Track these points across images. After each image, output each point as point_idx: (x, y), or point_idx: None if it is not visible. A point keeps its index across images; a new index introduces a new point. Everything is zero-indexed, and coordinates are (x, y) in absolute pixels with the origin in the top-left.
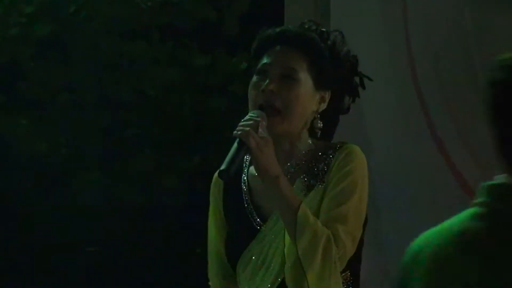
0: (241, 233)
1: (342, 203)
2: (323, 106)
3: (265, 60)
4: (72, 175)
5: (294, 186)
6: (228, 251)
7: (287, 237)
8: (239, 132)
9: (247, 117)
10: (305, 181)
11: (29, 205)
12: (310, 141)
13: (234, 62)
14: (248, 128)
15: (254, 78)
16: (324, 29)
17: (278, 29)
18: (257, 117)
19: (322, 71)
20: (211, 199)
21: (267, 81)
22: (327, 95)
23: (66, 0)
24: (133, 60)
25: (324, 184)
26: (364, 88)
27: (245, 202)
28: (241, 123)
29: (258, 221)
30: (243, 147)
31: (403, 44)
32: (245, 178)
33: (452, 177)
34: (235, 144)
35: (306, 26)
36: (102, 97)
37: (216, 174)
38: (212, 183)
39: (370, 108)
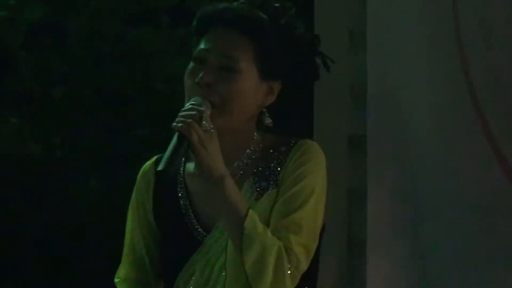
0: (179, 244)
1: (296, 210)
2: (271, 98)
3: (202, 45)
4: (68, 181)
5: (242, 191)
6: (163, 265)
7: (229, 248)
8: (179, 125)
9: (188, 105)
10: (255, 183)
11: (18, 216)
12: (256, 136)
13: None
14: (190, 120)
15: (191, 64)
16: (277, 5)
17: (219, 7)
18: (200, 105)
19: (270, 59)
20: (136, 193)
21: (203, 71)
22: (276, 86)
23: None
24: (138, 48)
25: (277, 187)
26: (328, 70)
27: (182, 208)
28: (181, 113)
29: (200, 231)
30: (184, 142)
31: (452, 32)
32: (181, 178)
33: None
34: (174, 138)
35: (257, 4)
36: (102, 92)
37: (146, 164)
38: (140, 175)
39: (411, 107)
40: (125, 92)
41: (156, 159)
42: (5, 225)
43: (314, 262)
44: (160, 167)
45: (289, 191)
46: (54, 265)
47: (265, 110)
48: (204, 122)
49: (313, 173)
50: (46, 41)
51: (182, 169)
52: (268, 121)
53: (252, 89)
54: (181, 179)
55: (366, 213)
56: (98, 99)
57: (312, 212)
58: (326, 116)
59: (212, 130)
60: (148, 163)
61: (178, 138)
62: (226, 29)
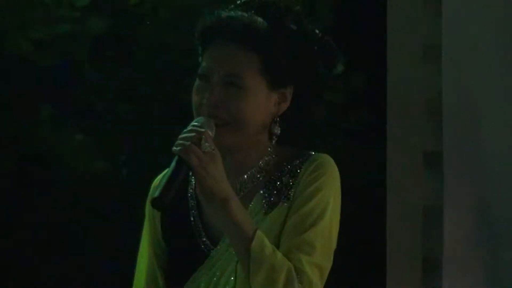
0: (185, 257)
1: (308, 228)
2: (284, 106)
3: (205, 63)
4: (135, 200)
5: (252, 203)
6: (168, 277)
7: (239, 269)
8: (178, 148)
9: (189, 126)
10: (266, 197)
11: (85, 233)
12: (270, 148)
13: None
14: (188, 143)
15: (197, 81)
16: (281, 5)
17: (219, 18)
18: (200, 127)
19: (277, 67)
20: (147, 212)
21: (209, 90)
22: (289, 92)
23: None
24: None
25: (289, 201)
26: (344, 65)
27: (191, 219)
28: (181, 136)
29: (207, 243)
30: (183, 166)
31: None
32: (192, 190)
33: None
34: (173, 163)
35: (257, 6)
36: (170, 106)
37: (157, 178)
38: (151, 188)
39: (489, 121)
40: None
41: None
42: (73, 242)
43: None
44: (156, 194)
45: (301, 208)
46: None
47: (278, 119)
48: (205, 143)
49: (326, 189)
50: (111, 54)
51: (193, 180)
52: (276, 130)
53: (262, 102)
54: (192, 190)
55: (442, 230)
56: (166, 114)
57: (326, 230)
58: (400, 132)
59: (214, 151)
60: (158, 177)
61: (177, 162)
62: (227, 43)
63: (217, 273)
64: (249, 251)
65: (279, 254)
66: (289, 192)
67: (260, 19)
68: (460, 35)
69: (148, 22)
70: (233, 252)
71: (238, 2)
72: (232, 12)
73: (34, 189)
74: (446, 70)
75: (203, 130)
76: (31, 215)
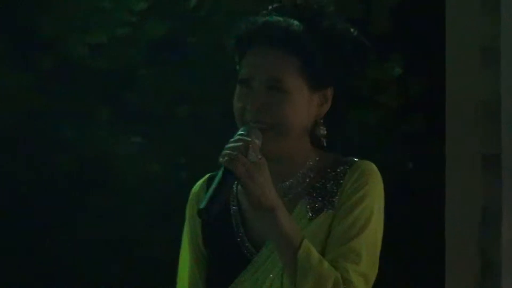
0: (227, 262)
1: (354, 237)
2: (326, 107)
3: (245, 69)
4: None
5: (297, 209)
6: (209, 282)
7: (285, 277)
8: (225, 159)
9: (236, 136)
10: (311, 203)
11: (142, 238)
12: (313, 153)
13: (385, 66)
14: (235, 153)
15: (237, 88)
16: (315, 7)
17: (256, 25)
18: (247, 136)
19: (317, 69)
20: (187, 217)
21: (251, 96)
22: (329, 93)
23: None
24: None
25: (334, 208)
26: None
27: (234, 224)
28: (227, 146)
29: (249, 248)
30: (230, 177)
31: None
32: (235, 193)
33: None
34: (219, 173)
35: (290, 10)
36: (229, 109)
37: (197, 183)
38: (191, 194)
39: None
40: None
41: (208, 177)
42: (125, 246)
43: None
44: (201, 206)
45: (346, 217)
46: None
47: (322, 120)
48: (252, 153)
49: (371, 198)
50: (168, 58)
51: (235, 186)
52: (322, 131)
53: (304, 105)
54: (235, 195)
55: (500, 233)
56: (224, 118)
57: (371, 238)
58: (459, 135)
59: (260, 160)
60: (199, 182)
61: (223, 173)
62: (266, 49)
63: (260, 278)
64: (296, 260)
65: (325, 263)
66: (334, 199)
67: (296, 22)
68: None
69: (205, 26)
70: (277, 257)
71: (270, 7)
72: (268, 17)
73: (92, 191)
74: (505, 73)
75: (249, 139)
76: (88, 217)
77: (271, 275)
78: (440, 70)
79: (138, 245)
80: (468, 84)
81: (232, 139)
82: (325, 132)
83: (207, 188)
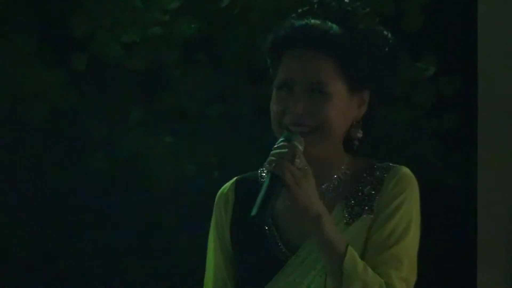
0: (260, 265)
1: (395, 243)
2: (364, 109)
3: (284, 73)
4: None
5: (333, 214)
6: (240, 286)
7: (328, 283)
8: (273, 165)
9: (279, 142)
10: (348, 207)
11: (174, 239)
12: (346, 157)
13: (417, 66)
14: (283, 160)
15: (275, 92)
16: (349, 9)
17: (293, 28)
18: (291, 141)
19: (355, 71)
20: (215, 216)
21: (292, 99)
22: (366, 95)
23: None
24: None
25: (373, 213)
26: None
27: (266, 227)
28: (273, 152)
29: (284, 251)
30: (278, 184)
31: None
32: None
33: None
34: (267, 180)
35: (325, 12)
36: (261, 109)
37: (225, 186)
38: (218, 196)
39: None
40: None
41: (236, 180)
42: (162, 243)
43: None
44: (253, 212)
45: (386, 223)
46: None
47: (359, 123)
48: (298, 160)
49: (410, 203)
50: (201, 58)
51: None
52: (358, 134)
53: (344, 108)
54: None
55: None
56: (256, 117)
57: (411, 243)
58: (491, 134)
59: (306, 168)
60: (227, 184)
61: (271, 179)
62: (305, 51)
63: (296, 281)
64: (342, 267)
65: (370, 270)
66: (372, 204)
67: (334, 25)
68: None
69: (237, 25)
70: (314, 259)
71: (300, 10)
72: (306, 20)
73: (124, 191)
74: None
75: (296, 146)
76: (120, 217)
77: (308, 278)
78: (473, 69)
79: (171, 245)
80: (501, 82)
81: (276, 145)
82: (361, 135)
83: (236, 191)
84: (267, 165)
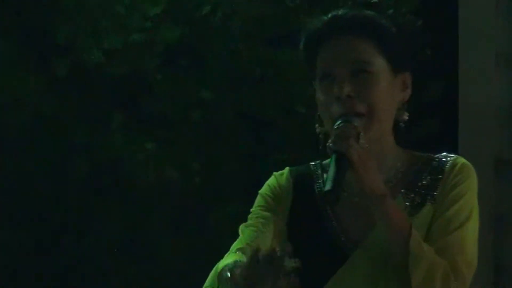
0: (321, 258)
1: (458, 228)
2: (408, 92)
3: (325, 62)
4: (208, 208)
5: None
6: (302, 280)
7: (390, 266)
8: (338, 143)
9: (338, 123)
10: (409, 197)
11: (156, 244)
12: (399, 150)
13: None
14: (348, 138)
15: (319, 84)
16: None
17: (326, 19)
18: (352, 122)
19: (396, 51)
20: (267, 195)
21: (338, 84)
22: (408, 78)
23: None
24: (279, 71)
25: (435, 202)
26: (424, 55)
27: (326, 220)
28: (337, 132)
29: (346, 244)
30: (343, 162)
31: None
32: (319, 189)
33: None
34: (332, 160)
35: (351, 3)
36: (242, 115)
37: (281, 174)
38: (275, 177)
39: None
40: (265, 116)
41: (290, 169)
42: (142, 253)
43: None
44: (327, 187)
45: (449, 209)
46: None
47: (404, 106)
48: (361, 139)
49: (471, 191)
50: (182, 63)
51: (319, 180)
52: (404, 117)
53: (389, 86)
54: (320, 189)
55: None
56: (238, 123)
57: (473, 230)
58: (472, 140)
59: (367, 147)
60: (285, 174)
61: (337, 158)
62: (343, 37)
63: (360, 275)
64: (408, 247)
65: (432, 250)
66: (434, 193)
67: (362, 11)
68: None
69: (219, 32)
70: (377, 253)
71: (330, 15)
72: (334, 12)
73: (105, 197)
74: None
75: (357, 125)
76: (101, 222)
77: (374, 271)
78: (454, 75)
79: (153, 251)
80: (482, 89)
81: (336, 127)
82: (407, 117)
83: (294, 181)
84: (332, 145)
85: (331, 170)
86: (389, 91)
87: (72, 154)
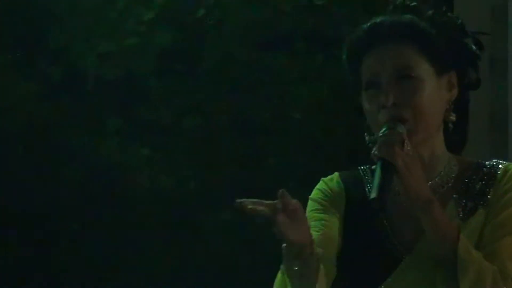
0: (374, 264)
1: (509, 233)
2: (455, 91)
3: (368, 71)
4: (202, 215)
5: (447, 209)
6: (355, 284)
7: (440, 271)
8: (383, 150)
9: (383, 131)
10: (461, 203)
11: (149, 251)
12: (449, 155)
13: None
14: (393, 145)
15: (364, 94)
16: (414, 3)
17: (366, 28)
18: (396, 128)
19: (439, 52)
20: (321, 199)
21: (383, 92)
22: (453, 77)
23: (192, 2)
24: (273, 75)
25: (487, 208)
26: (482, 48)
27: (385, 222)
28: (382, 139)
29: (399, 249)
30: (389, 169)
31: None
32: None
33: None
34: (378, 168)
35: (391, 8)
36: (236, 120)
37: (331, 180)
38: (325, 182)
39: None
40: (260, 121)
41: (339, 174)
42: (135, 258)
43: None
44: (373, 195)
45: (500, 214)
46: None
47: (452, 106)
48: (406, 145)
49: None
50: (176, 68)
51: (369, 185)
52: (452, 116)
53: (434, 89)
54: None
55: None
56: (231, 128)
57: None
58: (466, 145)
59: (414, 153)
60: (334, 178)
61: (382, 165)
62: (385, 45)
63: (412, 279)
64: (456, 253)
65: (482, 257)
66: (487, 198)
67: (403, 17)
68: None
69: (212, 36)
70: (427, 258)
71: (370, 23)
72: (374, 20)
73: (99, 203)
74: None
75: (402, 131)
76: (95, 230)
77: (427, 277)
78: None
79: (146, 257)
80: (475, 94)
81: (381, 134)
82: (454, 118)
83: (345, 185)
84: (377, 152)
85: (377, 178)
86: (435, 94)
87: (66, 160)
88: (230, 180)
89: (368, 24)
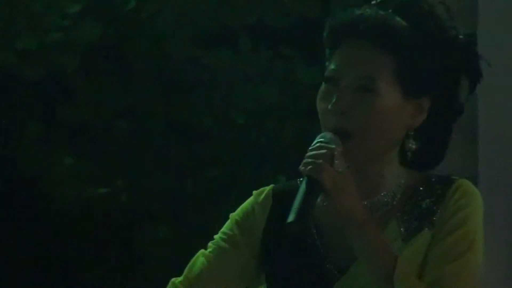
0: (303, 284)
1: (457, 258)
2: (420, 118)
3: (333, 65)
4: (135, 229)
5: (388, 230)
6: None
7: None
8: (308, 167)
9: (315, 143)
10: (405, 223)
11: (78, 269)
12: (403, 171)
13: None
14: (320, 161)
15: (323, 85)
16: (424, 7)
17: (351, 16)
18: (329, 143)
19: (414, 72)
20: (240, 218)
21: (337, 95)
22: (425, 103)
23: None
24: (214, 75)
25: (433, 228)
26: (478, 80)
27: (310, 244)
28: (309, 154)
29: (331, 270)
30: (315, 188)
31: None
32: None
33: None
34: (303, 185)
35: (396, 5)
36: (172, 125)
37: (262, 192)
38: (250, 207)
39: None
40: (199, 126)
41: (273, 188)
42: (65, 276)
43: None
44: (290, 219)
45: (449, 236)
46: None
47: (412, 133)
48: (336, 161)
49: (474, 219)
50: (106, 67)
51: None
52: (411, 144)
53: (394, 111)
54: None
55: None
56: (168, 134)
57: (474, 262)
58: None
59: (347, 170)
60: (266, 191)
61: (307, 183)
62: (360, 42)
63: None
64: (392, 281)
65: (422, 285)
66: (433, 218)
67: (398, 18)
68: (496, 59)
69: (145, 30)
70: (365, 279)
71: (374, 1)
72: (368, 10)
73: (19, 216)
74: (482, 94)
75: (333, 146)
76: (19, 243)
77: None
78: None
79: (73, 273)
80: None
81: (311, 147)
82: (414, 146)
83: (274, 202)
84: (302, 168)
85: (298, 197)
86: (391, 116)
87: None
88: (165, 191)
89: (359, 11)
